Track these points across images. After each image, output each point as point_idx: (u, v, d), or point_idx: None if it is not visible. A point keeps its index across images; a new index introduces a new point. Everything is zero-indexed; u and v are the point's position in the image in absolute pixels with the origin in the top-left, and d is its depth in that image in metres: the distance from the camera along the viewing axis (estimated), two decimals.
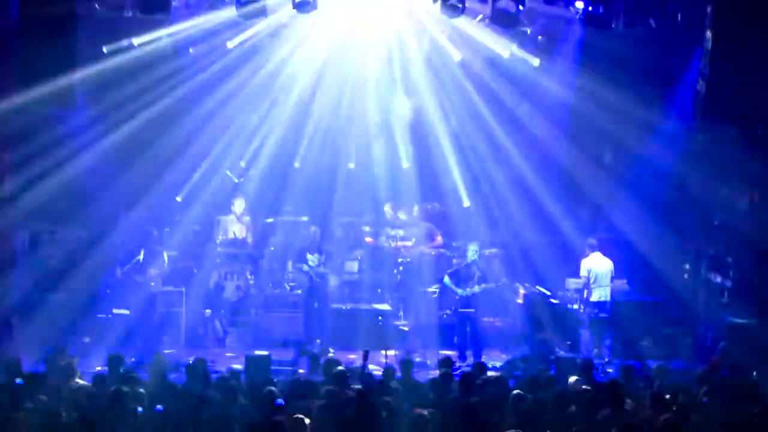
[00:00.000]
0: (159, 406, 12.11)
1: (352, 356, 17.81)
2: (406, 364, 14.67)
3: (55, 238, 20.98)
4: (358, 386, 13.22)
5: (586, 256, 19.07)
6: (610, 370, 17.97)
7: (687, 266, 21.51)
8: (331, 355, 16.97)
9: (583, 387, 13.12)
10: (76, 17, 17.52)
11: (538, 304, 19.93)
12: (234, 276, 20.45)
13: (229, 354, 19.10)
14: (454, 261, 20.34)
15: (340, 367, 14.24)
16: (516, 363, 17.62)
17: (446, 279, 19.39)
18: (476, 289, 19.08)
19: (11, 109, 17.68)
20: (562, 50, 20.57)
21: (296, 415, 11.15)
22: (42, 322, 18.99)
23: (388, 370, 14.65)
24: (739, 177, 20.38)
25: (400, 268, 21.33)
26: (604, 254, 19.09)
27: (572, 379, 13.88)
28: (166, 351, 16.93)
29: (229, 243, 20.81)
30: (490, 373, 14.80)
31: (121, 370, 14.25)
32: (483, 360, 17.40)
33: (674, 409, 11.93)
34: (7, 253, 18.40)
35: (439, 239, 21.70)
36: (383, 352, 17.50)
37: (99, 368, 15.67)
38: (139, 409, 11.70)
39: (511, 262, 21.71)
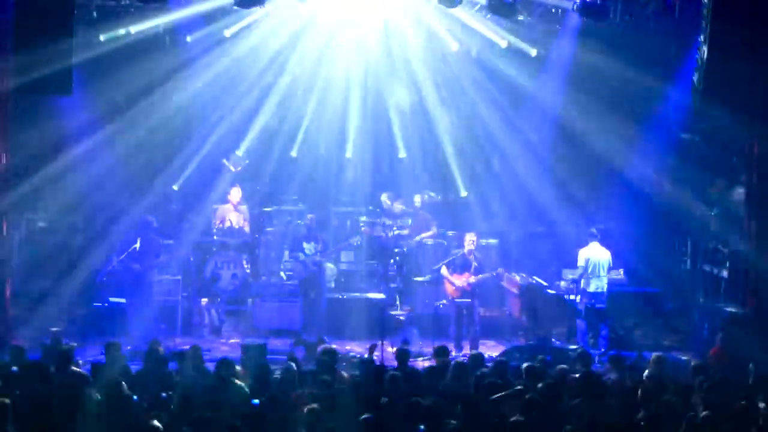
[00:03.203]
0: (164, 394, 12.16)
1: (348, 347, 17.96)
2: (402, 353, 14.65)
3: (51, 226, 20.98)
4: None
5: (586, 245, 19.05)
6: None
7: (683, 257, 21.53)
8: (326, 345, 16.96)
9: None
10: (73, 5, 17.45)
11: (534, 294, 19.93)
12: (230, 265, 20.40)
13: (225, 343, 19.18)
14: (453, 251, 20.24)
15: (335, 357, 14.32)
16: (512, 353, 17.60)
17: (443, 269, 19.38)
18: (473, 279, 19.08)
19: (7, 97, 17.64)
20: (560, 40, 20.54)
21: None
22: (38, 311, 19.01)
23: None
24: (736, 168, 20.38)
25: (397, 258, 21.34)
26: (603, 244, 19.07)
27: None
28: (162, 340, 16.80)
29: (225, 232, 20.77)
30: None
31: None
32: (479, 350, 17.42)
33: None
34: (4, 240, 18.33)
35: (434, 229, 21.69)
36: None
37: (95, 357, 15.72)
38: (135, 397, 11.69)
39: (508, 253, 21.73)
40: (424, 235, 21.50)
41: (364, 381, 13.13)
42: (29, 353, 14.62)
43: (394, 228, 21.61)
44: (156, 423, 10.67)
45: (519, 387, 12.44)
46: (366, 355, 15.75)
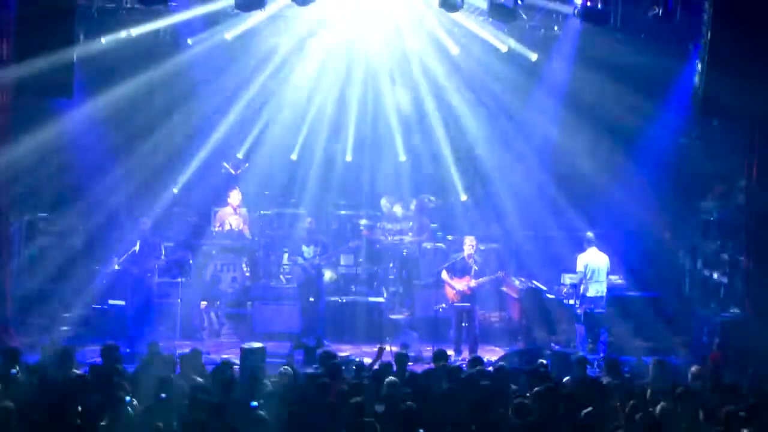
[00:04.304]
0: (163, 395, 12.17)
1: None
2: (401, 357, 14.65)
3: (51, 228, 20.98)
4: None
5: (583, 251, 19.06)
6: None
7: (683, 262, 21.53)
8: (326, 348, 16.99)
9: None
10: (75, 7, 17.48)
11: (533, 299, 19.93)
12: (230, 268, 20.43)
13: (225, 346, 19.20)
14: (453, 255, 20.20)
15: (335, 360, 14.33)
16: (511, 357, 17.60)
17: (444, 273, 19.36)
18: (473, 283, 19.07)
19: (9, 98, 17.65)
20: (560, 45, 20.58)
21: None
22: (38, 313, 19.01)
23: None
24: (735, 173, 20.39)
25: (396, 261, 21.35)
26: (600, 249, 19.07)
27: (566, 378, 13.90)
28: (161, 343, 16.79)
29: (225, 235, 20.78)
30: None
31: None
32: (479, 354, 17.41)
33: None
34: (4, 242, 18.34)
35: (425, 235, 21.72)
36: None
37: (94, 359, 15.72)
38: (127, 398, 11.68)
39: (507, 257, 21.72)
40: (420, 238, 21.56)
41: (372, 384, 13.09)
42: (29, 355, 14.61)
43: (394, 232, 21.63)
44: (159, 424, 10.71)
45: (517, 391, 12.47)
46: (374, 359, 15.72)
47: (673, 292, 21.01)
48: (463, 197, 22.75)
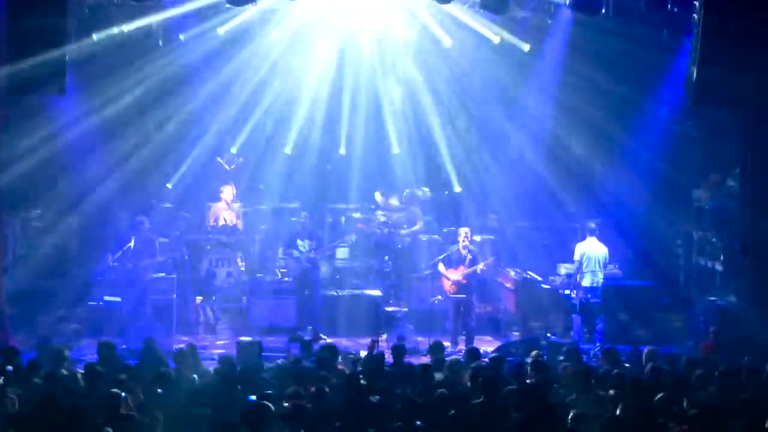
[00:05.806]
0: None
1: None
2: (398, 350, 14.66)
3: (46, 226, 20.97)
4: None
5: (583, 239, 19.04)
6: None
7: (678, 250, 21.54)
8: (325, 341, 17.00)
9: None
10: (66, 4, 17.43)
11: (529, 289, 19.93)
12: (225, 263, 20.44)
13: (221, 341, 19.21)
14: (449, 248, 20.18)
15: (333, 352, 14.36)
16: (508, 348, 17.61)
17: (440, 266, 19.36)
18: (466, 271, 19.05)
19: (1, 96, 17.62)
20: (553, 35, 20.56)
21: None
22: (33, 310, 19.00)
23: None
24: (730, 161, 20.40)
25: (392, 254, 21.35)
26: (601, 240, 19.03)
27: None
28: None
29: (219, 230, 20.80)
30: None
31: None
32: (475, 346, 17.41)
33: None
34: None
35: (420, 224, 21.72)
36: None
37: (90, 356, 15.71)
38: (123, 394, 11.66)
39: (502, 248, 21.72)
40: (413, 229, 21.57)
41: (364, 376, 13.09)
42: (24, 353, 14.58)
43: (389, 224, 21.62)
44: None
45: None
46: (367, 352, 15.72)
47: (669, 281, 21.02)
48: (458, 189, 22.74)
